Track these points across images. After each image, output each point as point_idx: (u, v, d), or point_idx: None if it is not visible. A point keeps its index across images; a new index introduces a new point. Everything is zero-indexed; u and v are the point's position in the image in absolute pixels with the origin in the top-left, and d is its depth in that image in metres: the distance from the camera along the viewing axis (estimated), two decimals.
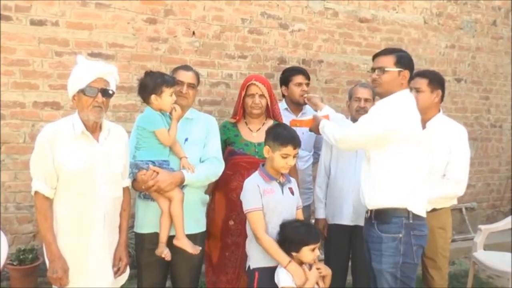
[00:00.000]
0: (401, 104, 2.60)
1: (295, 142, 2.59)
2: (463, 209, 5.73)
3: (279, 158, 2.56)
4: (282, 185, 2.64)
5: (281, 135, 2.58)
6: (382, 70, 2.65)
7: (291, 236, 2.51)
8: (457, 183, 3.08)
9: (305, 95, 3.45)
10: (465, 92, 5.75)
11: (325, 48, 4.87)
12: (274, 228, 2.57)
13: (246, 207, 2.59)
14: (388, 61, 2.65)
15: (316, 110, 3.36)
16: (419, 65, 5.31)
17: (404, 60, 2.65)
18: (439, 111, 3.21)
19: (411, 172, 2.56)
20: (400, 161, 2.55)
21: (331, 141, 2.78)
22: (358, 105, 3.31)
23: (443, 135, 3.13)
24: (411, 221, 2.55)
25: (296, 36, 4.71)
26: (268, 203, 2.56)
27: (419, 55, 5.39)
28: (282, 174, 2.66)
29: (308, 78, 3.69)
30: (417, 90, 3.10)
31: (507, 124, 6.13)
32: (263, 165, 2.69)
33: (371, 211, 2.66)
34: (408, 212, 2.55)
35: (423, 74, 3.17)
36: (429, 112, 3.14)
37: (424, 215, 2.63)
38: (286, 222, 2.58)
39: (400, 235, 2.54)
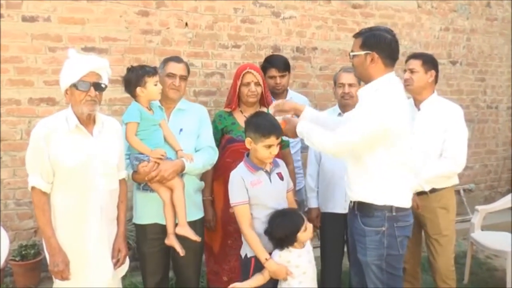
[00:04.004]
0: (387, 99, 2.38)
1: (277, 131, 2.53)
2: (461, 191, 5.76)
3: (263, 149, 2.52)
4: (269, 173, 2.62)
5: (262, 126, 2.51)
6: (351, 54, 2.55)
7: (282, 235, 2.50)
8: (454, 160, 3.11)
9: (271, 108, 2.83)
10: (460, 74, 5.75)
11: (319, 35, 4.86)
12: (267, 218, 2.58)
13: (231, 200, 2.60)
14: (355, 44, 2.52)
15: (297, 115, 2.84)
16: (414, 49, 5.34)
17: (370, 41, 2.44)
18: (433, 92, 3.26)
19: (399, 168, 2.44)
20: (388, 158, 2.41)
21: (319, 150, 2.58)
22: (342, 91, 3.30)
23: (438, 115, 3.16)
24: (394, 214, 2.45)
25: (289, 24, 4.70)
26: (257, 195, 2.56)
27: (414, 39, 5.39)
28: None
29: (282, 70, 3.66)
30: (411, 71, 3.20)
31: (503, 105, 6.15)
32: (247, 154, 2.66)
33: (354, 202, 2.59)
34: (391, 206, 2.45)
35: (416, 55, 3.29)
36: (423, 92, 3.23)
37: (408, 206, 2.53)
38: (270, 219, 2.55)
39: (383, 228, 2.45)
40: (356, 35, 2.54)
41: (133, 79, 2.64)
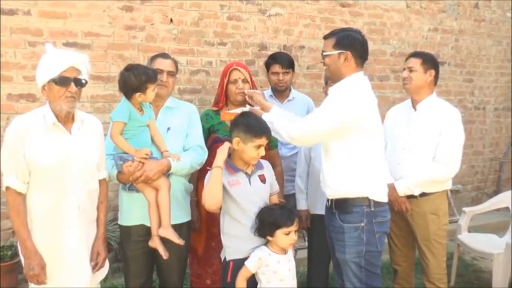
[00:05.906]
0: (354, 93, 2.49)
1: (268, 131, 2.53)
2: (448, 192, 5.70)
3: (252, 149, 2.48)
4: (249, 175, 2.56)
5: (254, 126, 2.49)
6: (323, 54, 2.61)
7: (265, 219, 2.48)
8: (446, 166, 3.05)
9: (245, 91, 2.99)
10: (448, 75, 5.75)
11: (306, 33, 4.82)
12: (249, 217, 2.52)
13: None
14: (328, 44, 2.58)
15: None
16: (402, 49, 5.35)
17: (344, 41, 2.52)
18: (432, 93, 3.18)
19: (369, 160, 2.51)
20: (358, 150, 2.48)
21: (283, 138, 2.62)
22: None
23: (434, 117, 3.09)
24: (372, 209, 2.51)
25: (276, 21, 4.65)
26: (234, 195, 2.51)
27: (402, 38, 5.38)
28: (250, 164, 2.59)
29: (286, 67, 3.63)
30: (410, 70, 3.14)
31: (490, 106, 6.19)
32: (229, 155, 2.60)
33: (331, 200, 2.62)
34: (369, 200, 2.50)
35: (417, 54, 3.24)
36: (421, 92, 3.15)
37: (385, 200, 2.59)
38: (264, 206, 2.55)
39: (362, 224, 2.50)
40: (328, 36, 2.62)
41: (135, 84, 2.52)
